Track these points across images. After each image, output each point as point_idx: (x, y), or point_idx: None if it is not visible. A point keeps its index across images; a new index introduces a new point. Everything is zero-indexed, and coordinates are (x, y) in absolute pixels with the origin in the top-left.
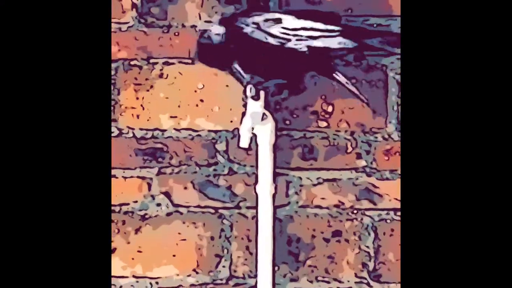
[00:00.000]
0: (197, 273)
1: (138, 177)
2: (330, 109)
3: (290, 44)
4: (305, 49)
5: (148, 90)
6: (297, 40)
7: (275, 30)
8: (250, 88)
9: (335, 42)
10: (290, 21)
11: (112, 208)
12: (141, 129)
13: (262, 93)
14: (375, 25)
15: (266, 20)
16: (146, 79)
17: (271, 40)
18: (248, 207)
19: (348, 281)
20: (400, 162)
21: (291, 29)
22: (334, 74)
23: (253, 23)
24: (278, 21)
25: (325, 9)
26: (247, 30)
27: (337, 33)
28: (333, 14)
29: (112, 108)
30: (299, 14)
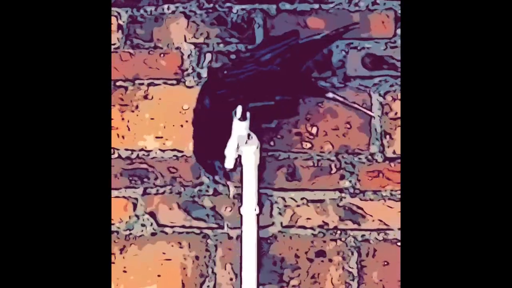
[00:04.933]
0: None
1: (123, 197)
2: (314, 130)
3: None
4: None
5: (133, 111)
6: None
7: None
8: (237, 110)
9: None
10: None
11: None
12: (126, 149)
13: (248, 114)
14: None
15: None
16: (132, 100)
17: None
18: (232, 228)
19: None
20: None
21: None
22: (326, 95)
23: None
24: None
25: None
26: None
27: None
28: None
29: None
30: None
